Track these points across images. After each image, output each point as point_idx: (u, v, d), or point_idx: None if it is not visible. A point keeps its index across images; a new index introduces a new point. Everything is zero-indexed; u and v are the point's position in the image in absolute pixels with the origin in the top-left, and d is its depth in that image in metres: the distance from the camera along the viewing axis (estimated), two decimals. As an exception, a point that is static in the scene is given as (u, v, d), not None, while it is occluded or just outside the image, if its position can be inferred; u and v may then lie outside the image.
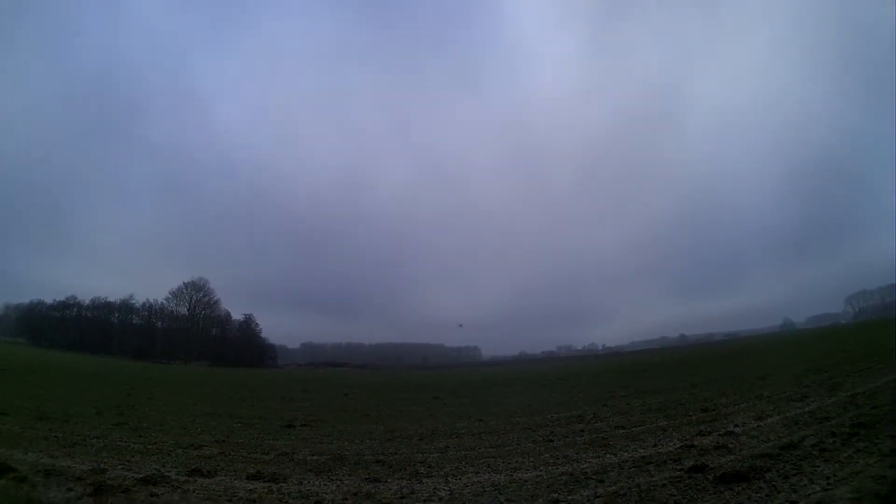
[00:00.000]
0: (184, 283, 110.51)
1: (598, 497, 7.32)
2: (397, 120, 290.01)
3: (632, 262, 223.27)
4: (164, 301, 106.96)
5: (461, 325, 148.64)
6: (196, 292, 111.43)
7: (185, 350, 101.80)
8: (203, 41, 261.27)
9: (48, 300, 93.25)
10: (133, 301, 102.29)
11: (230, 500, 7.70)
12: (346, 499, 7.88)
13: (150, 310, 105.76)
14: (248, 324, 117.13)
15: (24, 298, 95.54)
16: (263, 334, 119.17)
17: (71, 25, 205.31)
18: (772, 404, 14.22)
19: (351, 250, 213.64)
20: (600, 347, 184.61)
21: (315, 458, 11.46)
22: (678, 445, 10.41)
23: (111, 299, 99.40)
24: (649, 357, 73.13)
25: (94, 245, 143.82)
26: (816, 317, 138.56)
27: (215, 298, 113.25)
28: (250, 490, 8.30)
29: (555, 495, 7.61)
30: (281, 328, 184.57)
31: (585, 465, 9.51)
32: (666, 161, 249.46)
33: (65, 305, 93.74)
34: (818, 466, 7.39)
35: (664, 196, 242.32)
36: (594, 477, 8.47)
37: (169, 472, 9.42)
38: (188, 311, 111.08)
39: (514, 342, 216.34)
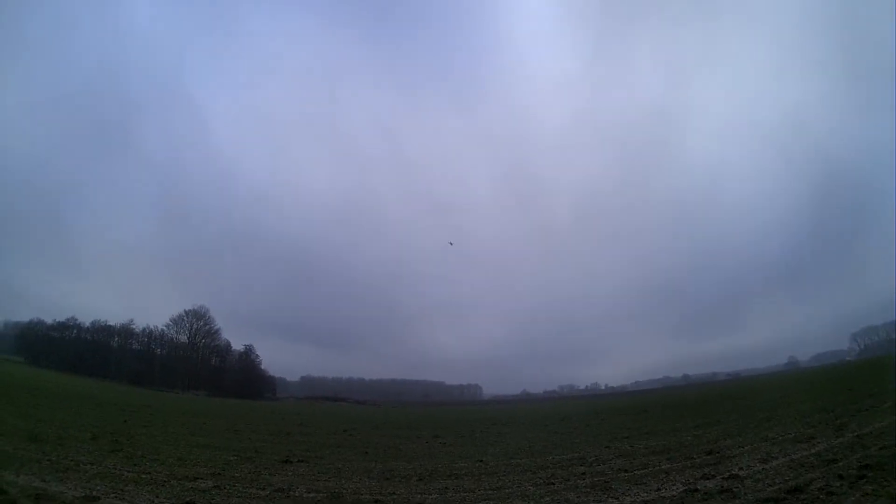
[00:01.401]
0: (185, 311, 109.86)
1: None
2: (392, 144, 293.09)
3: (634, 299, 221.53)
4: (165, 328, 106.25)
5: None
6: (197, 320, 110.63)
7: (184, 378, 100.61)
8: (202, 64, 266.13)
9: (48, 320, 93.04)
10: (133, 326, 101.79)
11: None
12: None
13: (149, 336, 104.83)
14: (248, 355, 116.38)
15: (24, 317, 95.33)
16: (263, 366, 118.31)
17: (72, 44, 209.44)
18: (777, 446, 13.99)
19: (350, 281, 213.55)
20: (603, 387, 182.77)
21: (312, 495, 11.28)
22: (682, 489, 10.22)
23: (111, 323, 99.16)
24: (652, 397, 71.99)
25: (95, 267, 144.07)
26: (821, 354, 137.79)
27: (216, 327, 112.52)
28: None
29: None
30: (281, 360, 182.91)
31: (586, 510, 9.31)
32: (664, 192, 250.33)
33: (64, 326, 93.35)
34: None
35: (665, 230, 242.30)
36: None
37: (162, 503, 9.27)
38: (188, 339, 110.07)
39: (515, 381, 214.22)
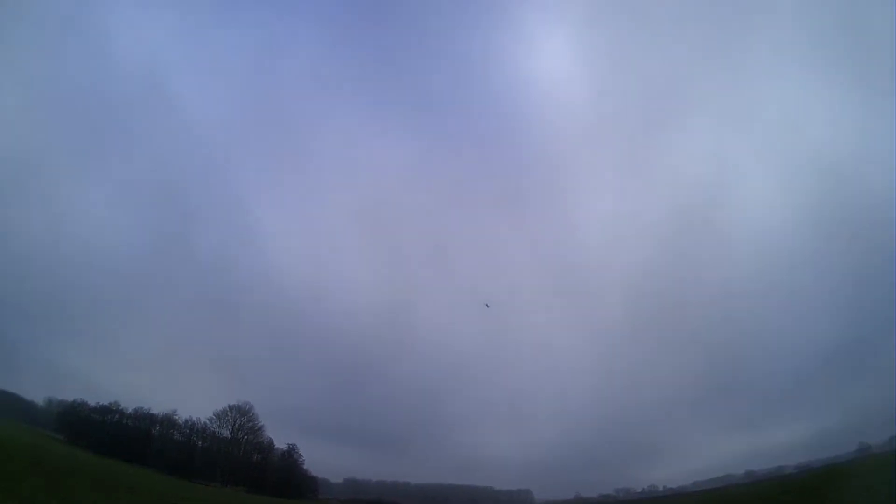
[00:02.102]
0: (229, 406, 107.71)
1: None
2: (438, 243, 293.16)
3: (688, 391, 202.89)
4: (208, 421, 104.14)
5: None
6: (240, 416, 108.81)
7: (225, 472, 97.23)
8: (254, 165, 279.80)
9: (91, 402, 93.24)
10: (176, 416, 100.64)
11: None
12: None
13: (191, 427, 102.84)
14: (290, 454, 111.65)
15: (68, 396, 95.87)
16: (305, 465, 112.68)
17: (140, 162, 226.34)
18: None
19: (395, 380, 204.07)
20: (661, 489, 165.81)
21: None
22: None
23: (154, 411, 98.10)
24: (714, 498, 62.44)
25: (142, 355, 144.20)
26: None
27: (259, 424, 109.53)
28: None
29: None
30: (324, 460, 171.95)
31: None
32: (709, 280, 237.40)
33: (107, 410, 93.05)
34: None
35: (715, 317, 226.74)
36: None
37: None
38: (231, 433, 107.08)
39: (568, 484, 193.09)
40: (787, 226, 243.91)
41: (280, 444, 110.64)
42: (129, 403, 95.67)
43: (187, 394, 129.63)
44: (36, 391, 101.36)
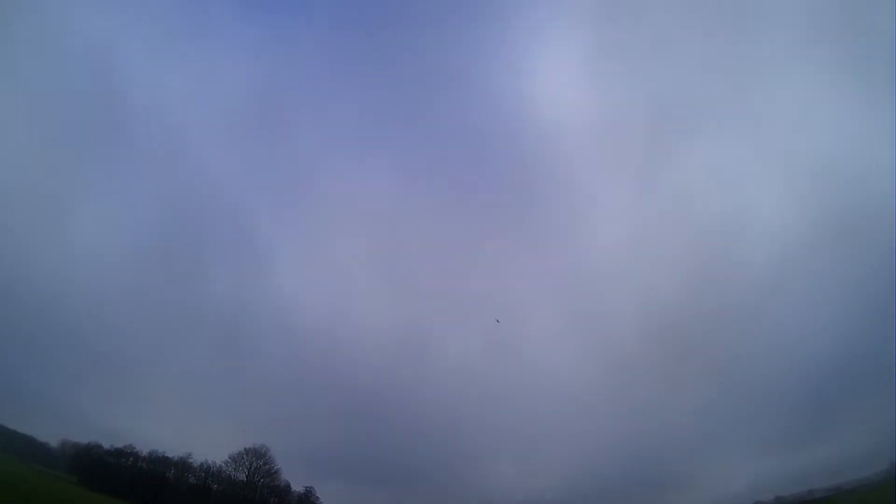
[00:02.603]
0: (244, 449, 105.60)
1: None
2: (452, 276, 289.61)
3: (711, 417, 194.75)
4: (223, 464, 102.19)
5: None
6: (256, 459, 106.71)
7: None
8: (269, 203, 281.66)
9: (105, 444, 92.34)
10: (191, 460, 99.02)
11: None
12: None
13: (207, 471, 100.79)
14: (307, 496, 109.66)
15: (83, 438, 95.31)
16: None
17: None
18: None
19: (412, 417, 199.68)
20: None
21: None
22: None
23: (169, 455, 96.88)
24: None
25: (158, 397, 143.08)
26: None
27: (276, 468, 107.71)
28: None
29: None
30: (341, 502, 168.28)
31: None
32: (728, 303, 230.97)
33: (121, 453, 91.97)
34: None
35: (733, 340, 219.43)
36: None
37: None
38: (246, 477, 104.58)
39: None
40: (803, 237, 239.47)
41: (297, 486, 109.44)
42: (143, 446, 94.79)
43: (202, 436, 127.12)
44: (50, 434, 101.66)
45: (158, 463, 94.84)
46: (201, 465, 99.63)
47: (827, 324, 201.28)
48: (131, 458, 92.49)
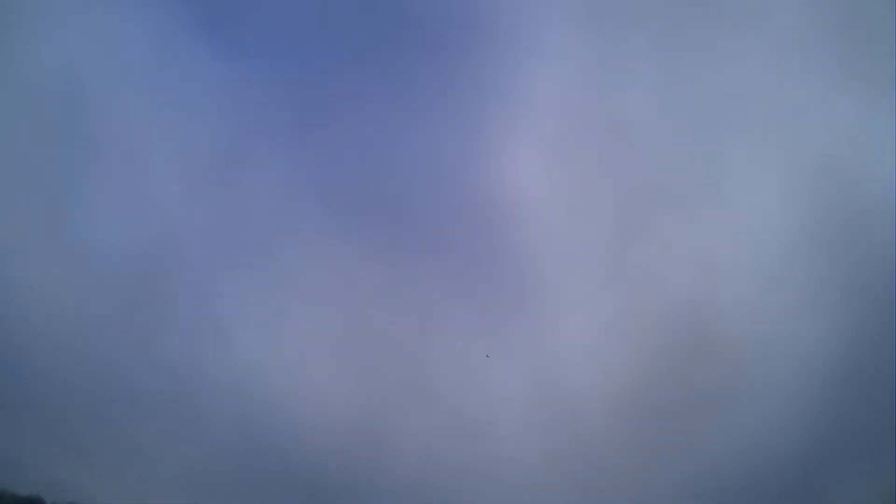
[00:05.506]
0: None
1: None
2: (414, 366, 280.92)
3: (685, 497, 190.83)
4: None
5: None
6: None
7: None
8: (227, 276, 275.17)
9: (48, 500, 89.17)
10: None
11: None
12: None
13: None
14: None
15: (24, 490, 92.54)
16: None
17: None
18: None
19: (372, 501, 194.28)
20: None
21: None
22: None
23: None
24: None
25: (103, 459, 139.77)
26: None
27: None
28: None
29: None
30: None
31: None
32: (705, 388, 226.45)
33: None
34: None
35: (711, 416, 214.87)
36: None
37: None
38: None
39: None
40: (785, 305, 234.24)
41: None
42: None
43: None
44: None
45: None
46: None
47: (808, 402, 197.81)
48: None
